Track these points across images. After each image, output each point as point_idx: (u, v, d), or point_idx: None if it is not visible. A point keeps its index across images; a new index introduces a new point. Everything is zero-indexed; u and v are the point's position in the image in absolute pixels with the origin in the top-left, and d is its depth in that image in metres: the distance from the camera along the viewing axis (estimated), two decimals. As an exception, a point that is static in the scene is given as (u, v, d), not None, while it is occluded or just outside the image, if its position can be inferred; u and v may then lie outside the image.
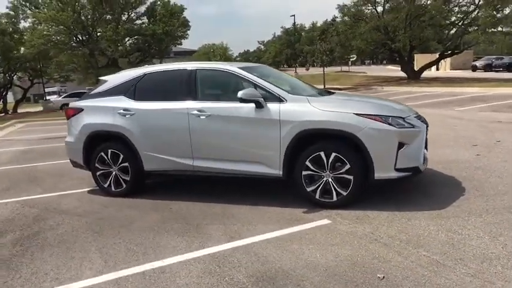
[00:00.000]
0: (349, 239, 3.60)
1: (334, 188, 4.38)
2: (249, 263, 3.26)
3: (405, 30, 24.74)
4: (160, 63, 27.81)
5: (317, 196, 4.46)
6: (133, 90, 5.29)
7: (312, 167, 4.43)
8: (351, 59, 53.09)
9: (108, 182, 5.42)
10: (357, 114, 4.31)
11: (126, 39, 21.65)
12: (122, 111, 5.22)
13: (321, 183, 4.43)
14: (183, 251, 3.56)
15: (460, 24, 25.49)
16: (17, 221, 4.68)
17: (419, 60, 36.81)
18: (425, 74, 30.55)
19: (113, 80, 5.57)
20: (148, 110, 5.11)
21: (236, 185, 5.49)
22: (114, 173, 5.37)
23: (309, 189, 4.48)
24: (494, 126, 8.80)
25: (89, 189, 5.90)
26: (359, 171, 4.28)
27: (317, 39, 28.00)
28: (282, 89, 4.69)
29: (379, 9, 27.33)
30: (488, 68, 38.42)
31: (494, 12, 22.46)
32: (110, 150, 5.32)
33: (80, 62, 21.10)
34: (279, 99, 4.56)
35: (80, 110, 5.55)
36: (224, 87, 5.20)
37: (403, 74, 30.45)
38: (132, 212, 4.75)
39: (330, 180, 4.40)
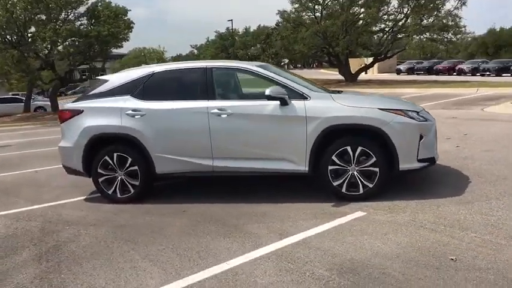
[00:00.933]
0: (397, 228, 3.75)
1: (361, 181, 4.52)
2: (318, 257, 3.25)
3: (344, 35, 26.19)
4: (103, 65, 26.37)
5: (343, 190, 4.57)
6: (142, 89, 4.98)
7: (338, 162, 4.53)
8: (283, 63, 54.73)
9: (113, 188, 5.04)
10: (380, 109, 4.51)
11: (68, 40, 20.04)
12: (130, 111, 4.89)
13: (347, 177, 4.55)
14: (240, 251, 3.45)
15: (389, 31, 27.63)
16: (21, 236, 4.17)
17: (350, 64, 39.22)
18: (359, 76, 32.54)
19: (115, 79, 5.20)
20: (161, 110, 4.86)
21: (245, 184, 5.43)
22: (119, 178, 5.01)
23: (335, 184, 4.57)
24: (452, 121, 9.67)
25: (83, 197, 5.45)
26: (384, 164, 4.47)
27: (262, 43, 28.55)
28: (304, 87, 4.75)
29: (318, 15, 28.60)
30: (410, 71, 42.00)
31: (419, 21, 24.74)
32: (115, 154, 4.96)
33: (13, 65, 19.12)
34: (303, 97, 4.61)
35: (78, 112, 5.09)
36: (242, 86, 5.12)
37: (339, 77, 32.11)
38: (152, 218, 4.48)
39: (356, 173, 4.53)
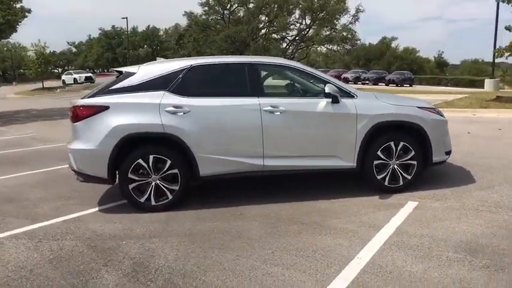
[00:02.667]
0: (460, 212, 4.18)
1: (401, 174, 4.88)
2: (433, 243, 3.45)
3: (254, 41, 27.06)
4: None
5: (386, 183, 4.87)
6: (180, 84, 4.54)
7: (382, 157, 4.82)
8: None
9: (147, 195, 4.47)
10: (419, 107, 4.95)
11: None
12: (171, 108, 4.42)
13: (389, 170, 4.86)
14: (356, 246, 3.44)
15: (293, 40, 29.58)
16: (73, 258, 3.43)
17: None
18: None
19: (144, 72, 4.62)
20: (209, 107, 4.50)
21: (273, 183, 5.38)
22: (153, 183, 4.47)
23: (379, 177, 4.85)
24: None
25: (96, 208, 4.71)
26: (421, 157, 4.91)
27: (174, 44, 27.48)
28: (347, 86, 4.92)
29: (226, 19, 28.95)
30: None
31: (322, 32, 27.20)
32: (151, 156, 4.41)
33: None
34: (350, 95, 4.78)
35: (103, 108, 4.39)
36: (290, 83, 5.04)
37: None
38: (215, 224, 4.12)
39: (396, 167, 4.88)
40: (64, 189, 5.58)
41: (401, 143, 4.83)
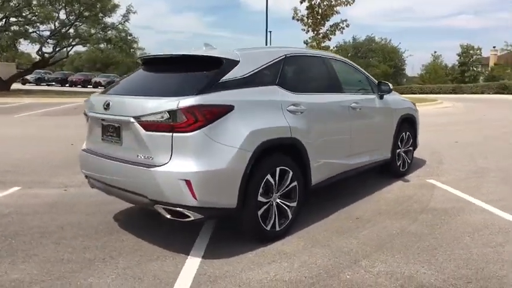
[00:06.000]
0: (484, 180, 5.39)
1: (406, 159, 5.71)
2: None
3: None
4: None
5: (401, 168, 5.59)
6: (284, 78, 3.69)
7: (400, 146, 5.50)
8: None
9: (272, 220, 3.45)
10: (412, 102, 5.90)
11: None
12: (292, 107, 3.56)
13: (400, 157, 5.60)
14: (501, 218, 4.00)
15: (53, 35, 24.77)
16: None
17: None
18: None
19: (248, 60, 3.44)
20: (319, 105, 3.90)
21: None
22: (274, 203, 3.49)
23: (398, 164, 5.51)
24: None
25: (197, 259, 3.19)
26: (414, 143, 5.89)
27: None
28: (376, 81, 5.30)
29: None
30: (39, 81, 39.59)
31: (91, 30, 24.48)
32: (278, 169, 3.43)
33: None
34: (383, 92, 5.18)
35: (227, 110, 3.03)
36: (349, 78, 4.80)
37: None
38: (370, 230, 3.69)
39: (402, 153, 5.66)
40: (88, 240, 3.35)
41: (408, 133, 5.64)
